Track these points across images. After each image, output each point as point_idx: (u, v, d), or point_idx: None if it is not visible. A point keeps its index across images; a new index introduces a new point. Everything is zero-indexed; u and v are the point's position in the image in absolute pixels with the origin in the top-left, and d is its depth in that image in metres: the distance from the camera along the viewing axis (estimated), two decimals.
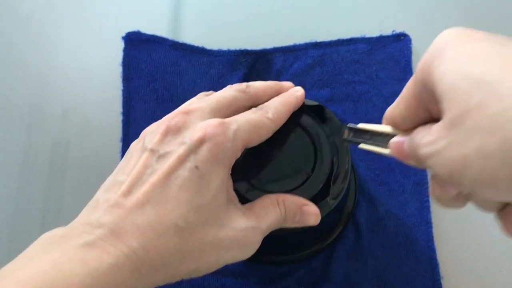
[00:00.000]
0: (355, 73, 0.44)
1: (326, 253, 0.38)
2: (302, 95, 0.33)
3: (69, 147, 0.43)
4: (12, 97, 0.45)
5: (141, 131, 0.30)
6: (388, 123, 0.26)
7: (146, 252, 0.23)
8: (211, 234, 0.26)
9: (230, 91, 0.31)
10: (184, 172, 0.25)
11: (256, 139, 0.29)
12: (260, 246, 0.28)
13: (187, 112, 0.28)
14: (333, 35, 0.45)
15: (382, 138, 0.27)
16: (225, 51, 0.45)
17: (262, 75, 0.45)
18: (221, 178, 0.26)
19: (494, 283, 0.38)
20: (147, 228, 0.24)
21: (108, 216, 0.24)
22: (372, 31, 0.45)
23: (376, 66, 0.44)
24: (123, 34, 0.46)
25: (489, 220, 0.25)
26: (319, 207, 0.31)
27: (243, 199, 0.30)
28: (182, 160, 0.26)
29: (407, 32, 0.45)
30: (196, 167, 0.26)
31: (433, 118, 0.22)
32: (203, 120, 0.28)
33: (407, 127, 0.24)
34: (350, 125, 0.30)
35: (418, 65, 0.22)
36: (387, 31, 0.45)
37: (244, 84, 0.32)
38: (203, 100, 0.30)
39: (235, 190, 0.30)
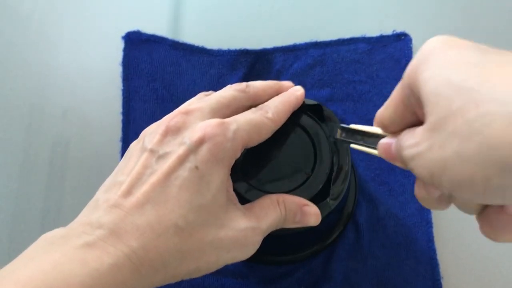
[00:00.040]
0: (355, 73, 0.44)
1: (326, 253, 0.38)
2: (302, 95, 0.33)
3: (69, 147, 0.43)
4: (12, 97, 0.45)
5: (141, 131, 0.30)
6: (377, 125, 0.27)
7: (146, 252, 0.23)
8: (211, 234, 0.26)
9: (230, 91, 0.31)
10: (184, 172, 0.25)
11: (256, 139, 0.29)
12: (260, 246, 0.28)
13: (187, 112, 0.28)
14: (334, 34, 0.45)
15: (373, 140, 0.28)
16: (225, 50, 0.45)
17: (262, 75, 0.45)
18: (221, 178, 0.26)
19: (494, 283, 0.38)
20: (147, 228, 0.24)
21: (108, 216, 0.24)
22: (372, 31, 0.45)
23: (377, 66, 0.44)
24: (123, 34, 0.46)
25: None
26: (319, 207, 0.31)
27: (243, 200, 0.30)
28: (182, 160, 0.26)
29: (408, 31, 0.45)
30: (196, 167, 0.26)
31: (420, 122, 0.23)
32: (202, 120, 0.28)
33: (395, 130, 0.25)
34: (342, 125, 0.30)
35: (406, 70, 0.23)
36: (388, 31, 0.45)
37: (243, 84, 0.32)
38: (202, 100, 0.30)
39: (235, 190, 0.30)
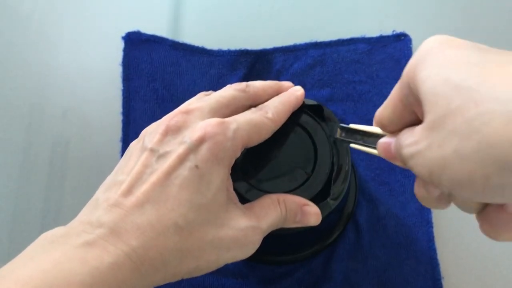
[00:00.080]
0: (355, 73, 0.44)
1: (326, 253, 0.38)
2: (302, 95, 0.33)
3: (69, 147, 0.43)
4: (12, 97, 0.45)
5: (141, 131, 0.30)
6: (377, 125, 0.27)
7: (146, 251, 0.23)
8: (211, 233, 0.26)
9: (230, 91, 0.31)
10: (184, 171, 0.25)
11: (256, 139, 0.29)
12: (260, 246, 0.28)
13: (187, 112, 0.28)
14: (333, 35, 0.45)
15: (373, 139, 0.28)
16: (225, 51, 0.45)
17: (262, 75, 0.45)
18: (221, 178, 0.26)
19: (495, 283, 0.38)
20: (147, 227, 0.24)
21: (108, 215, 0.24)
22: (372, 31, 0.45)
23: (377, 66, 0.44)
24: (123, 34, 0.46)
25: None
26: (319, 207, 0.31)
27: (243, 199, 0.30)
28: (182, 160, 0.26)
29: (408, 32, 0.45)
30: (196, 166, 0.26)
31: (419, 121, 0.23)
32: (202, 120, 0.28)
33: (394, 129, 0.25)
34: (342, 125, 0.30)
35: (404, 70, 0.23)
36: (388, 31, 0.45)
37: (243, 84, 0.32)
38: (202, 100, 0.30)
39: (235, 190, 0.30)
